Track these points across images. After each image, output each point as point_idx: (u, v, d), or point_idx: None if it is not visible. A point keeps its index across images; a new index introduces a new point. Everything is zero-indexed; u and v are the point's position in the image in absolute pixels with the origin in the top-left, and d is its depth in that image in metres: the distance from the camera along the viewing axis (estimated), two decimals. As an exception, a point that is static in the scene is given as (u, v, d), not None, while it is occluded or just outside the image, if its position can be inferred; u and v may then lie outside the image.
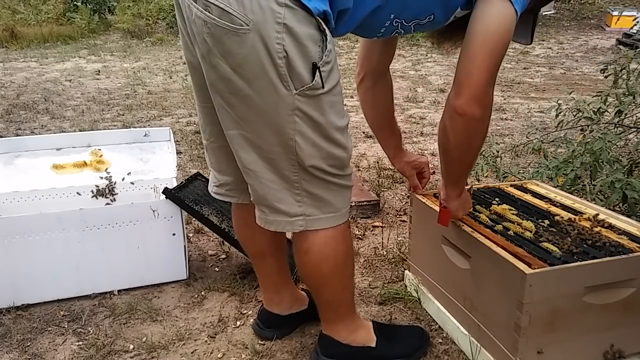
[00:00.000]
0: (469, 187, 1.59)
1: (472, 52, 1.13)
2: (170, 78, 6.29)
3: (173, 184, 2.00)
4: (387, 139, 1.62)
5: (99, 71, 6.80)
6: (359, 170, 3.07)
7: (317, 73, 1.07)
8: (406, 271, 1.82)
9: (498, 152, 2.65)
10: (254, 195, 1.24)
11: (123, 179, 2.18)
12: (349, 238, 1.31)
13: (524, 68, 6.67)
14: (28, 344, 1.57)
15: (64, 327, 1.65)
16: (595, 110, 2.52)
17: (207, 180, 2.12)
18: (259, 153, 1.16)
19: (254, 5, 1.01)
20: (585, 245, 1.34)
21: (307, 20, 1.04)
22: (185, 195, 1.88)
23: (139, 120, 4.37)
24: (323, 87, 1.10)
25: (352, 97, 4.97)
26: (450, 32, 1.33)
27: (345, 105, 1.50)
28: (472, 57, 1.13)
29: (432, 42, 1.41)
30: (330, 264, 1.28)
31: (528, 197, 1.68)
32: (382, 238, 2.18)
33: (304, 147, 1.13)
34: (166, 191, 1.79)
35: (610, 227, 1.45)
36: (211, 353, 1.52)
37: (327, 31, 1.07)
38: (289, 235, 1.49)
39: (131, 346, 1.56)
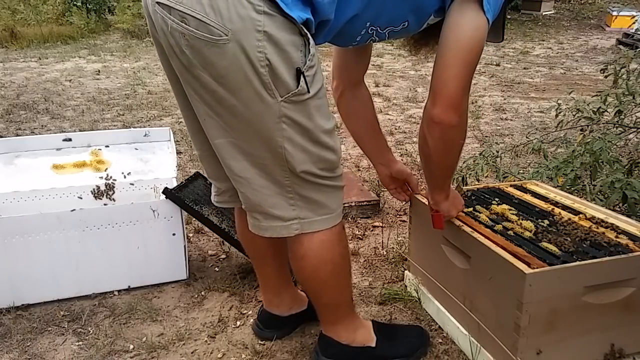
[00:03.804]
0: (455, 186, 1.60)
1: (446, 61, 1.15)
2: (170, 78, 6.28)
3: (173, 184, 2.00)
4: (374, 149, 1.60)
5: (99, 71, 6.80)
6: (359, 170, 3.07)
7: (302, 78, 1.07)
8: (406, 271, 1.82)
9: (498, 152, 2.65)
10: (246, 203, 1.24)
11: (125, 177, 2.18)
12: (344, 239, 1.31)
13: (524, 68, 6.67)
14: (28, 344, 1.57)
15: (64, 327, 1.66)
16: (595, 110, 2.52)
17: (208, 180, 2.13)
18: (249, 160, 1.15)
19: (232, 15, 0.99)
20: (584, 245, 1.34)
21: (288, 26, 1.03)
22: (185, 195, 1.88)
23: (139, 120, 4.37)
24: (309, 91, 1.09)
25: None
26: (427, 38, 1.33)
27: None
28: (446, 66, 1.15)
29: (409, 50, 1.41)
30: (327, 267, 1.28)
31: (528, 197, 1.68)
32: (382, 238, 2.18)
33: (294, 154, 1.13)
34: (166, 191, 1.79)
35: (610, 227, 1.45)
36: (211, 353, 1.52)
37: (309, 35, 1.06)
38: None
39: (131, 346, 1.56)
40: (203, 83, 1.07)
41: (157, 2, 1.05)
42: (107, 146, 2.33)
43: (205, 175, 2.17)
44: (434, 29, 1.24)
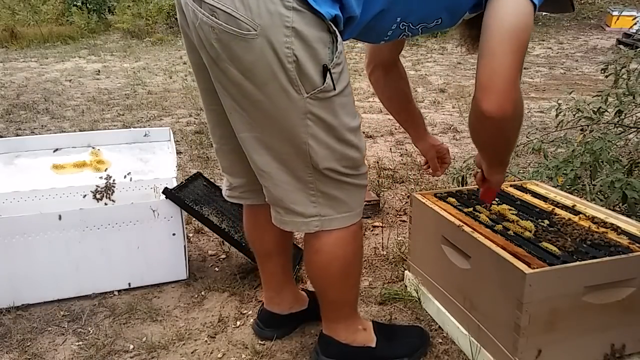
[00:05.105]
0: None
1: (491, 50, 1.07)
2: (170, 78, 6.30)
3: (173, 184, 2.00)
4: (406, 122, 1.65)
5: (99, 71, 6.80)
6: (359, 170, 3.07)
7: (328, 75, 1.06)
8: (406, 271, 1.82)
9: (498, 152, 2.64)
10: (268, 196, 1.24)
11: (125, 176, 2.18)
12: (359, 238, 1.31)
13: (524, 68, 6.65)
14: (28, 344, 1.57)
15: (64, 327, 1.65)
16: (595, 110, 2.51)
17: (208, 180, 2.13)
18: (272, 155, 1.16)
19: (261, 10, 1.00)
20: (584, 245, 1.34)
21: (316, 22, 1.03)
22: (185, 195, 1.88)
23: (139, 120, 4.37)
24: (334, 88, 1.09)
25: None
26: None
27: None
28: (492, 56, 1.07)
29: (466, 48, 1.34)
30: (339, 263, 1.28)
31: (528, 197, 1.68)
32: (382, 238, 2.18)
33: (318, 150, 1.13)
34: (166, 191, 1.79)
35: (610, 227, 1.45)
36: (211, 353, 1.52)
37: (338, 32, 1.06)
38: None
39: (131, 346, 1.56)
40: (230, 77, 1.08)
41: None
42: (97, 149, 2.33)
43: (205, 174, 2.17)
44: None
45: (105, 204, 2.12)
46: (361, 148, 1.20)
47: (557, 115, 2.64)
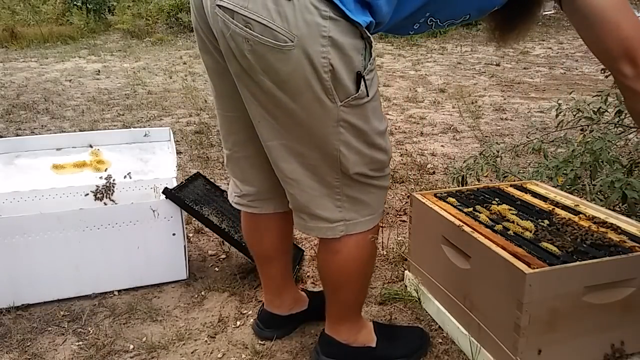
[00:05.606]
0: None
1: (615, 23, 1.07)
2: (170, 78, 6.29)
3: (173, 184, 2.00)
4: None
5: (99, 71, 6.80)
6: (359, 170, 3.06)
7: (362, 82, 1.06)
8: (406, 271, 1.82)
9: (498, 152, 2.65)
10: (293, 203, 1.24)
11: (126, 176, 2.18)
12: (376, 239, 1.32)
13: (524, 68, 6.67)
14: (28, 344, 1.57)
15: (64, 327, 1.66)
16: (595, 110, 2.51)
17: (208, 180, 2.13)
18: (300, 162, 1.15)
19: (298, 20, 0.98)
20: (584, 245, 1.34)
21: (350, 30, 1.02)
22: (185, 195, 1.88)
23: (139, 120, 4.37)
24: (368, 95, 1.09)
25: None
26: (511, 24, 1.27)
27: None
28: (619, 24, 1.07)
29: (496, 40, 1.33)
30: (356, 264, 1.28)
31: (528, 197, 1.68)
32: (382, 238, 2.18)
33: (349, 156, 1.13)
34: (166, 191, 1.79)
35: (610, 227, 1.45)
36: (211, 353, 1.52)
37: (371, 38, 1.06)
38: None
39: (131, 346, 1.56)
40: (263, 87, 1.07)
41: (218, 5, 1.03)
42: (97, 149, 2.33)
43: (205, 174, 2.17)
44: (517, 14, 1.20)
45: (105, 204, 2.12)
46: (388, 150, 1.20)
47: (557, 115, 2.64)
